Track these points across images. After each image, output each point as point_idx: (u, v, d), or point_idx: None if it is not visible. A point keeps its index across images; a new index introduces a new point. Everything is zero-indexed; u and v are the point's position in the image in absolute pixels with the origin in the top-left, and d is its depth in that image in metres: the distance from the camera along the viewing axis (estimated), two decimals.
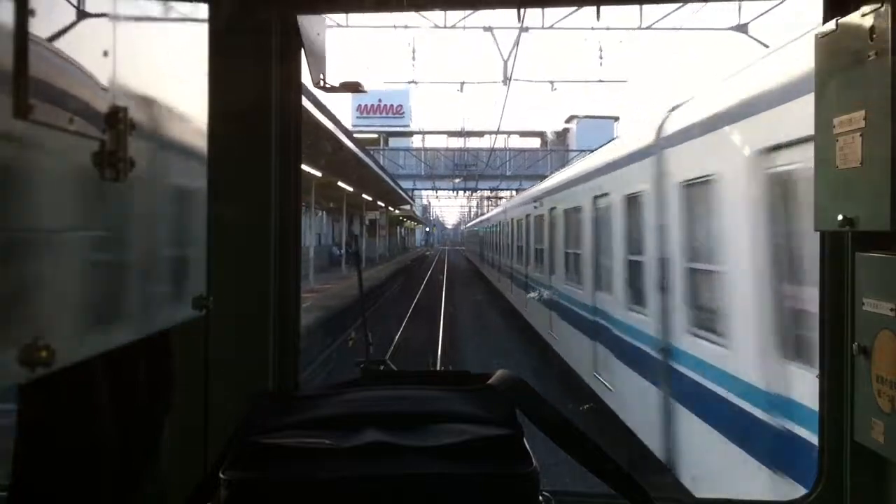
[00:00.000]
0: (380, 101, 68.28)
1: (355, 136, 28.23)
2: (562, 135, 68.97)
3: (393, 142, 66.94)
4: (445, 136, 70.62)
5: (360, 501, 1.31)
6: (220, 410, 2.14)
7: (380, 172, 32.96)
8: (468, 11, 19.98)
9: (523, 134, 75.11)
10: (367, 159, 26.60)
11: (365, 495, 1.30)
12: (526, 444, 1.40)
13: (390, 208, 55.05)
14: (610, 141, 14.17)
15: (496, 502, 1.32)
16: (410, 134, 71.16)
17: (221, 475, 1.31)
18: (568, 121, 68.28)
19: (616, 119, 65.12)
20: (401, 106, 71.06)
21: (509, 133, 67.98)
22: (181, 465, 1.79)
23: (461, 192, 73.75)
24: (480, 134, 69.18)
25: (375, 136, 66.82)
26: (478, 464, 1.32)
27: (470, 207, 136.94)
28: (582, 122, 62.36)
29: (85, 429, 1.56)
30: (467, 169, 59.14)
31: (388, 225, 59.70)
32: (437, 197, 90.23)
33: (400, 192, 47.10)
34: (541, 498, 1.35)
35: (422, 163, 60.30)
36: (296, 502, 1.31)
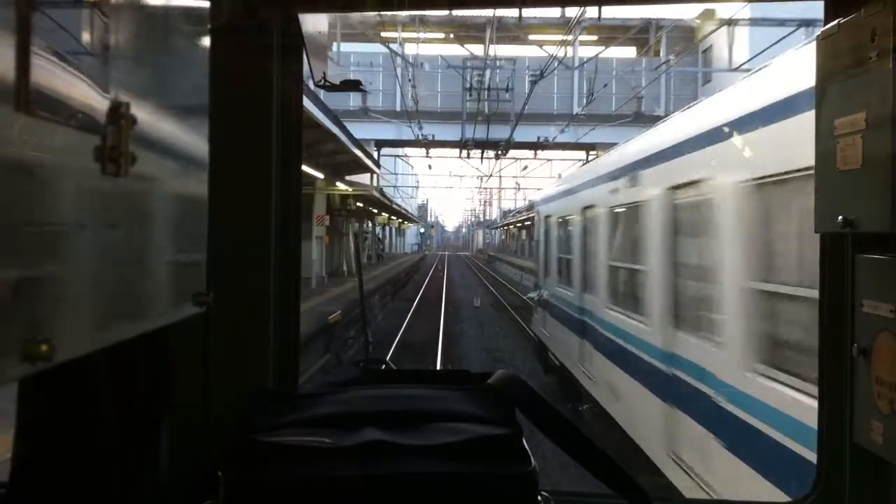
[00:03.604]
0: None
1: None
2: (687, 36, 32.57)
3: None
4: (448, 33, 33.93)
5: (359, 501, 1.31)
6: (219, 408, 2.14)
7: None
8: None
9: (604, 32, 33.47)
10: None
11: (364, 494, 1.30)
12: (525, 443, 1.40)
13: (310, 169, 22.05)
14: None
15: (495, 502, 1.32)
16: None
17: (220, 473, 1.31)
18: None
19: None
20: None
21: (581, 24, 27.88)
22: (180, 464, 1.79)
23: (470, 161, 40.26)
24: (514, 32, 32.25)
25: None
26: (477, 463, 1.32)
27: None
28: None
29: (84, 426, 1.56)
30: (490, 95, 29.60)
31: (329, 216, 29.32)
32: (430, 167, 55.69)
33: (337, 133, 20.33)
34: (539, 498, 1.35)
35: (398, 79, 29.48)
36: (295, 501, 1.31)
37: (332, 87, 2.61)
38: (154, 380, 1.69)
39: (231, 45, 2.06)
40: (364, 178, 31.50)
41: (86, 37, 1.13)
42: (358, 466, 1.30)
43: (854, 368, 2.02)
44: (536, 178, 56.71)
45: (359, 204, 35.73)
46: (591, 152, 31.67)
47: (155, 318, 1.45)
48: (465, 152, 36.65)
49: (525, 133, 31.26)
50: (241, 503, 1.32)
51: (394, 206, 49.83)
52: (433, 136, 32.66)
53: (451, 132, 33.66)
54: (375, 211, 47.02)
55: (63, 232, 1.08)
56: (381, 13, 31.41)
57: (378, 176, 35.36)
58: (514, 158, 47.01)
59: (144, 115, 1.28)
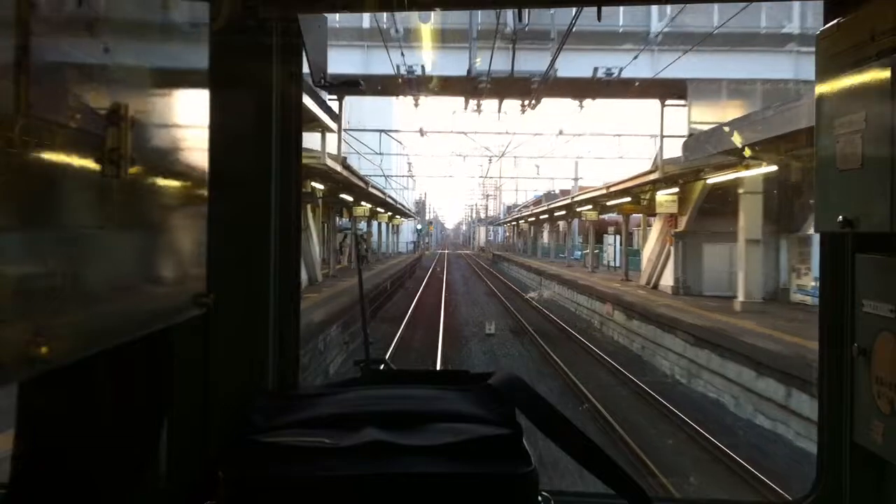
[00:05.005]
0: None
1: None
2: None
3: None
4: None
5: (359, 500, 1.31)
6: (219, 409, 2.14)
7: None
8: None
9: None
10: None
11: (364, 494, 1.30)
12: (525, 444, 1.40)
13: None
14: None
15: (495, 502, 1.32)
16: None
17: (221, 474, 1.31)
18: None
19: None
20: None
21: None
22: (180, 464, 1.79)
23: (475, 138, 28.56)
24: None
25: None
26: (477, 464, 1.33)
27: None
28: None
29: (84, 426, 1.56)
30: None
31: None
32: (421, 133, 36.96)
33: None
34: (539, 498, 1.35)
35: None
36: (295, 501, 1.32)
37: (332, 87, 2.62)
38: (154, 380, 1.69)
39: (231, 45, 2.06)
40: (330, 145, 20.80)
41: (86, 37, 1.13)
42: (358, 466, 1.30)
43: (854, 368, 2.02)
44: (555, 162, 42.64)
45: (315, 185, 23.14)
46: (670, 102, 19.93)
47: (156, 319, 1.45)
48: (473, 102, 22.04)
49: (572, 64, 18.02)
50: (241, 503, 1.32)
51: (371, 189, 34.49)
52: (423, 67, 19.31)
53: (453, 63, 19.82)
54: (351, 199, 31.96)
55: (63, 233, 1.08)
56: None
57: (339, 137, 22.04)
58: (531, 134, 35.34)
59: (144, 115, 1.28)
